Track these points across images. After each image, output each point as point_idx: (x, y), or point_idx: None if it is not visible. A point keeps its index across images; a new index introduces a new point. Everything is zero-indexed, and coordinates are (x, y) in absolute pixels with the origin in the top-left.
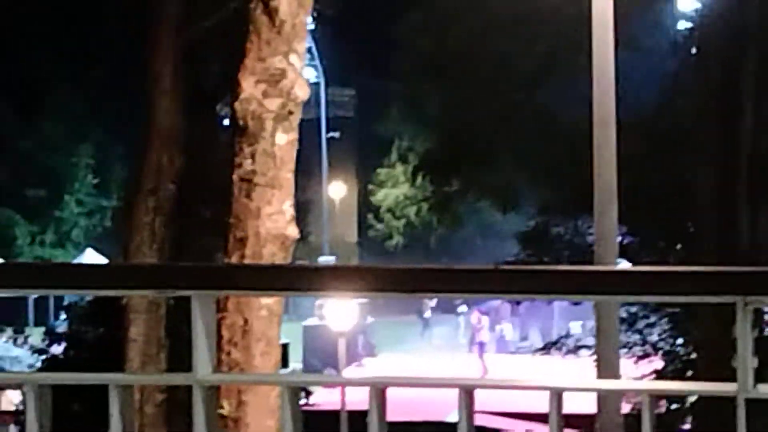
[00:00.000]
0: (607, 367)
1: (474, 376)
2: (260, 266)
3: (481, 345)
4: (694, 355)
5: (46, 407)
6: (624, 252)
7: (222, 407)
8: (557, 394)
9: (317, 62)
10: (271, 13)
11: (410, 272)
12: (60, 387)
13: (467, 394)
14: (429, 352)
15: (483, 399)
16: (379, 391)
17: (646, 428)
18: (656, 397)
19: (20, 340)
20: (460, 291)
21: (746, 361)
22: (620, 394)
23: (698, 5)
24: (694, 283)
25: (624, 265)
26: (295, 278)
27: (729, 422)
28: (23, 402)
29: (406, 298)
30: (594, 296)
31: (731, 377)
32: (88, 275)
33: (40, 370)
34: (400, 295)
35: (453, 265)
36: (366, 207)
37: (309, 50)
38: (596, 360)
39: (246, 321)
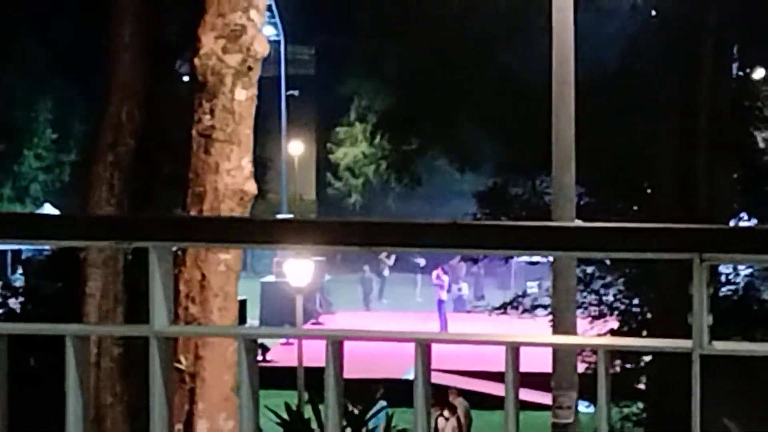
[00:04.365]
0: (563, 325)
1: (431, 330)
2: (219, 218)
3: (440, 303)
4: (649, 316)
5: (2, 358)
6: (581, 213)
7: (179, 362)
8: (513, 349)
9: (277, 20)
10: None
11: (367, 226)
12: (16, 342)
13: (423, 347)
14: (386, 310)
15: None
16: (335, 344)
17: (602, 383)
18: (612, 353)
19: None
20: (418, 245)
21: (702, 317)
22: (576, 351)
23: None
24: (650, 240)
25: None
26: (254, 230)
27: (682, 382)
28: None
29: (364, 252)
30: (551, 251)
31: (686, 337)
32: (45, 226)
33: None
34: (357, 248)
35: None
36: (325, 165)
37: (269, 8)
38: (552, 318)
39: (204, 276)
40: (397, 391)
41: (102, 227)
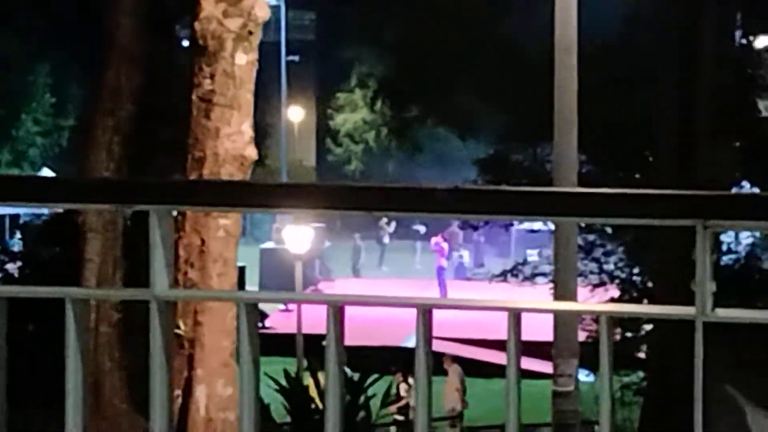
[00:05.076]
0: (564, 293)
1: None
2: (219, 181)
3: (440, 270)
4: (650, 284)
5: (1, 321)
6: (582, 181)
7: (178, 327)
8: (515, 315)
9: None
10: None
11: (369, 190)
12: (14, 308)
13: (425, 313)
14: (385, 277)
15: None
16: (336, 309)
17: (604, 350)
18: (613, 320)
19: None
20: (420, 210)
21: (705, 284)
22: (577, 319)
23: None
24: (654, 206)
25: None
26: (255, 194)
27: (683, 350)
28: None
29: (365, 216)
30: (555, 217)
31: (688, 305)
32: (45, 188)
33: None
34: (358, 213)
35: None
36: (325, 131)
37: None
38: (553, 286)
39: (203, 241)
40: (397, 358)
41: (102, 190)
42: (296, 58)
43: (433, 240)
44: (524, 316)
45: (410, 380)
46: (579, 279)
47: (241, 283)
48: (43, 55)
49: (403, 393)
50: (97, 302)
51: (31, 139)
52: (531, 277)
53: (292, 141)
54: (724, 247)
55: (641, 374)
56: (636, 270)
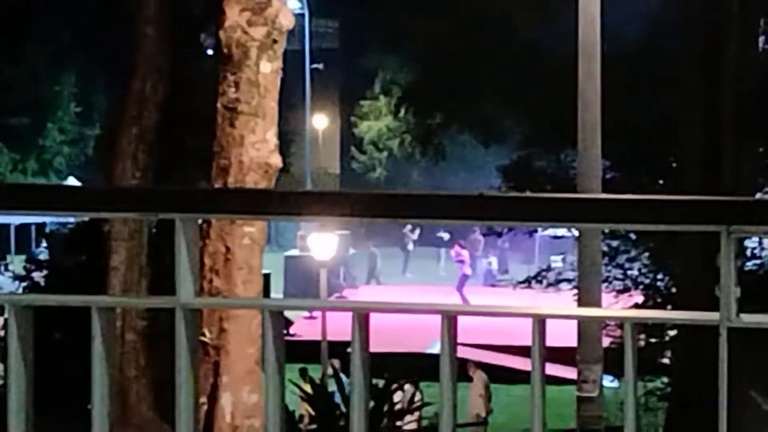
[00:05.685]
0: (588, 299)
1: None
2: (245, 190)
3: (463, 278)
4: (674, 290)
5: (28, 329)
6: (606, 187)
7: (204, 335)
8: (540, 322)
9: None
10: None
11: (394, 198)
12: (41, 315)
13: (449, 320)
14: (410, 283)
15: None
16: (361, 316)
17: (628, 357)
18: (638, 326)
19: (1, 268)
20: (444, 217)
21: (729, 289)
22: (601, 325)
23: None
24: (678, 212)
25: None
26: (279, 202)
27: (708, 356)
28: (4, 325)
29: (389, 223)
30: (579, 223)
31: (713, 310)
32: (71, 197)
33: None
34: (383, 220)
35: None
36: (349, 139)
37: None
38: (578, 292)
39: (228, 249)
40: (422, 365)
41: (128, 199)
42: (320, 66)
43: (453, 252)
44: (548, 321)
45: (406, 387)
46: (603, 285)
47: (266, 291)
48: (69, 64)
49: (396, 400)
50: (123, 310)
51: (57, 148)
52: (555, 284)
53: (316, 149)
54: (748, 252)
55: (665, 380)
56: (660, 275)
